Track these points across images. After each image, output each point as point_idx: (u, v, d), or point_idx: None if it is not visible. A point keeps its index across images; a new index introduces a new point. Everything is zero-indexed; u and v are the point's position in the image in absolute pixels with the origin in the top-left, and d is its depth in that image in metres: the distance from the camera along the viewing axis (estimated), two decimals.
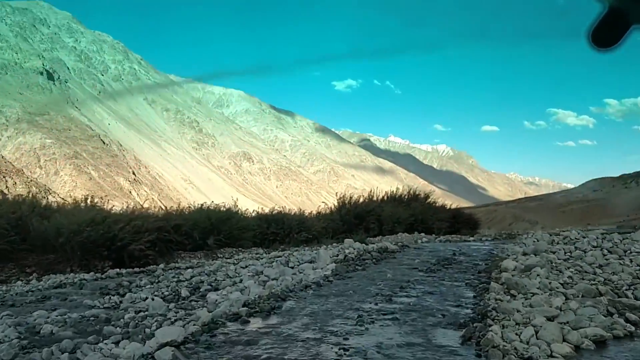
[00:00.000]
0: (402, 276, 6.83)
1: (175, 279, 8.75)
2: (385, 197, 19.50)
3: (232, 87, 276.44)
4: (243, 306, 4.69)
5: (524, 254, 7.25)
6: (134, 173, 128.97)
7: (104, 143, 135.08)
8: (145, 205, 19.46)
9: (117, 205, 18.38)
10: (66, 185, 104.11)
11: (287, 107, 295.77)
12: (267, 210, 19.40)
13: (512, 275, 5.96)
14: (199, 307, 5.38)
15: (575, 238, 7.93)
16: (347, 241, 10.92)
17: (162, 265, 11.82)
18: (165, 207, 17.89)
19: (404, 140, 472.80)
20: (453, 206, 26.62)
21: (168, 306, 5.67)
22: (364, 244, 11.26)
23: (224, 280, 7.96)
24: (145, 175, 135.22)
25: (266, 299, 5.12)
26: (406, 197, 20.00)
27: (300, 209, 19.74)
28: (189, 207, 16.58)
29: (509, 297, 5.23)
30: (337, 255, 8.47)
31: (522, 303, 4.96)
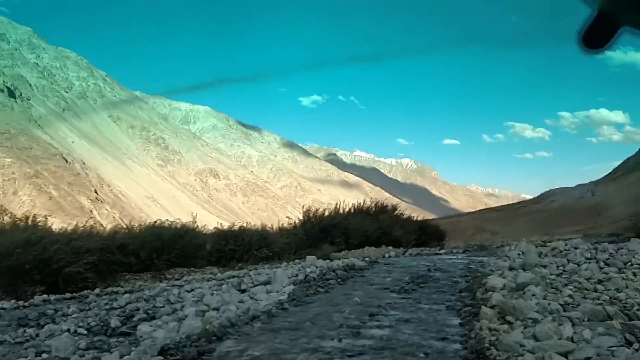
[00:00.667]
0: (372, 299, 5.65)
1: (107, 306, 7.46)
2: (352, 210, 18.39)
3: (199, 103, 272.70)
4: (159, 354, 3.39)
5: (511, 268, 6.21)
6: (96, 191, 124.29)
7: (66, 161, 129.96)
8: (106, 224, 17.89)
9: (71, 223, 16.76)
10: (25, 205, 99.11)
11: (254, 123, 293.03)
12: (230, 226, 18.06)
13: (504, 296, 4.87)
14: (115, 347, 4.12)
15: (565, 249, 6.96)
16: (309, 258, 9.69)
17: (98, 290, 10.40)
18: (127, 225, 16.32)
19: (369, 154, 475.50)
20: (418, 218, 25.81)
21: (77, 344, 4.45)
22: (328, 260, 10.05)
23: (163, 307, 6.75)
24: (107, 193, 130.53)
25: (196, 339, 3.83)
26: (373, 209, 18.92)
27: (264, 225, 18.43)
28: (140, 224, 15.05)
29: (505, 325, 4.11)
30: (297, 276, 7.23)
31: (523, 332, 3.85)
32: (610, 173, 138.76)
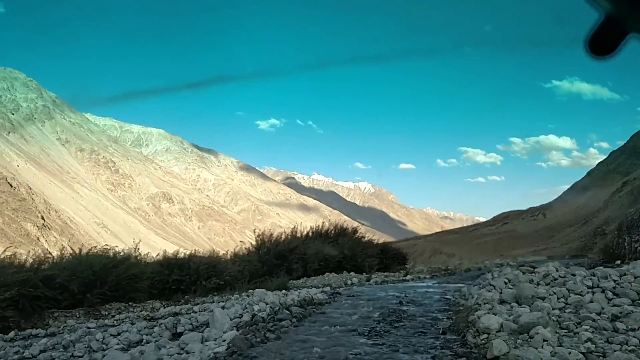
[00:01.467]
0: (336, 348, 4.39)
1: (17, 356, 5.92)
2: (310, 233, 17.12)
3: (152, 125, 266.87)
4: None
5: (502, 301, 5.11)
6: (43, 218, 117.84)
7: (11, 186, 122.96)
8: (54, 252, 15.88)
9: (16, 251, 14.75)
10: None
11: (210, 146, 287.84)
12: (185, 253, 16.46)
13: (506, 342, 3.73)
14: None
15: (561, 276, 5.95)
16: (257, 292, 8.29)
17: (13, 333, 8.77)
18: (53, 255, 14.42)
19: (328, 177, 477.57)
20: (379, 241, 24.87)
21: None
22: (282, 292, 8.71)
23: (82, 357, 5.32)
24: (55, 219, 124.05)
25: None
26: (332, 232, 17.70)
27: (216, 251, 16.88)
28: (70, 254, 13.22)
29: None
30: (241, 316, 5.85)
31: None
32: (560, 196, 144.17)
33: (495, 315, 4.58)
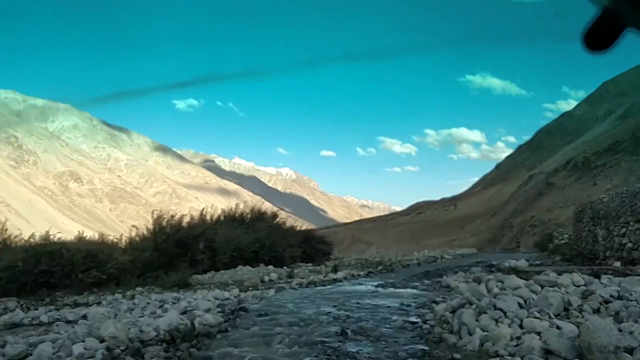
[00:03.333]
0: None
1: None
2: (223, 217, 14.62)
3: (58, 99, 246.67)
4: None
5: (548, 352, 3.05)
6: None
7: None
8: None
9: None
10: None
11: (122, 124, 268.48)
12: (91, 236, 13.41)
13: None
14: None
15: (612, 296, 3.95)
16: (92, 314, 5.40)
17: None
18: None
19: (249, 162, 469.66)
20: (301, 228, 22.91)
21: None
22: (173, 297, 6.21)
23: None
24: None
25: None
26: (249, 217, 15.29)
27: (104, 235, 13.90)
28: None
29: None
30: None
31: None
32: (470, 188, 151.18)
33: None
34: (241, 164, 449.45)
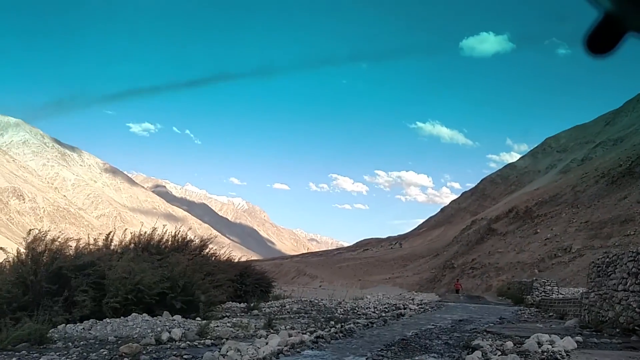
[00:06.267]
0: None
1: None
2: (132, 244, 11.17)
3: (9, 114, 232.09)
4: None
5: None
6: None
7: None
8: None
9: None
10: None
11: (74, 143, 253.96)
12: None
13: None
14: None
15: None
16: None
17: None
18: None
19: (202, 190, 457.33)
20: (242, 259, 19.61)
21: None
22: None
23: None
24: None
25: None
26: (165, 245, 11.84)
27: None
28: None
29: None
30: None
31: None
32: (415, 229, 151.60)
33: None
34: (193, 191, 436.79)
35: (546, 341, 5.11)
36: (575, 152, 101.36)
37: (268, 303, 15.38)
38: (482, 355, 4.91)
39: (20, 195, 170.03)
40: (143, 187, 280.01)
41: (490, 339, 6.62)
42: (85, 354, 5.91)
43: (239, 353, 5.18)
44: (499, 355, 4.92)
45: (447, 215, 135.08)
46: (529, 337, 5.43)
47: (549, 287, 18.08)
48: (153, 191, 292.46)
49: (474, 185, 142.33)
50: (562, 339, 5.18)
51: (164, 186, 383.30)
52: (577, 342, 5.33)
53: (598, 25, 1.01)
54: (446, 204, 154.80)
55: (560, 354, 4.51)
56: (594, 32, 1.02)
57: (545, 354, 4.69)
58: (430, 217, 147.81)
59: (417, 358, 5.48)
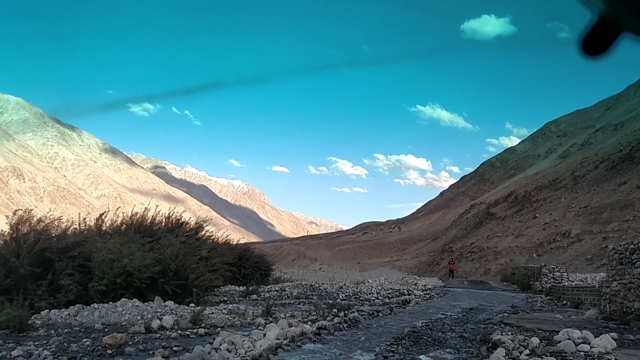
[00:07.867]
0: None
1: None
2: (121, 225, 10.60)
3: (9, 92, 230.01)
4: None
5: None
6: None
7: None
8: None
9: None
10: None
11: (73, 123, 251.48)
12: None
13: None
14: None
15: None
16: None
17: None
18: None
19: (201, 171, 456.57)
20: (242, 241, 19.07)
21: None
22: None
23: None
24: None
25: None
26: (158, 226, 11.27)
27: None
28: None
29: None
30: None
31: None
32: (414, 213, 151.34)
33: None
34: (193, 173, 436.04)
35: (578, 337, 4.57)
36: (576, 137, 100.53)
37: (267, 287, 14.87)
38: (507, 354, 4.35)
39: (20, 174, 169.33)
40: (143, 167, 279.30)
41: (509, 333, 6.07)
42: (66, 344, 5.36)
43: (233, 346, 4.63)
44: (527, 355, 4.36)
45: (446, 199, 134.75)
46: (554, 332, 4.89)
47: (558, 274, 17.51)
48: (153, 172, 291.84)
49: (473, 170, 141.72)
50: (596, 336, 4.61)
51: (164, 167, 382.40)
52: (613, 339, 4.76)
53: (593, 26, 1.00)
54: (445, 188, 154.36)
55: (605, 357, 3.95)
56: (589, 34, 1.01)
57: (589, 358, 4.11)
58: (429, 201, 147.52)
59: (431, 354, 4.94)
